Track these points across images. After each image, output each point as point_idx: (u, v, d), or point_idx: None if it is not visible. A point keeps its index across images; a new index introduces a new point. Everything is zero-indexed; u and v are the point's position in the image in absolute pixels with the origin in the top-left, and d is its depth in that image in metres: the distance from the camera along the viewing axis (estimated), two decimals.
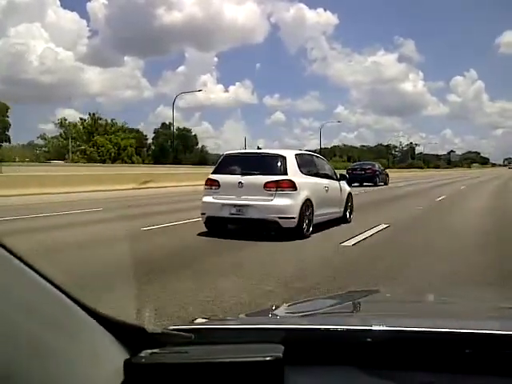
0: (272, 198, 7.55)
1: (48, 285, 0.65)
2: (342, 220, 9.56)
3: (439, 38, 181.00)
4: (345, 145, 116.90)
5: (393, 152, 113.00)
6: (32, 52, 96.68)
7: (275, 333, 0.95)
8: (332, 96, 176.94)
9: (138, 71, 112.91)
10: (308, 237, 7.76)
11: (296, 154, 8.34)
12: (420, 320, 1.19)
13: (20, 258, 0.62)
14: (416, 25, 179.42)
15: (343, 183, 9.83)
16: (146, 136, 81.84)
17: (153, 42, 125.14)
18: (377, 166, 31.67)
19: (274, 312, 1.55)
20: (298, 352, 0.85)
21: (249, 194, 7.62)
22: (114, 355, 0.73)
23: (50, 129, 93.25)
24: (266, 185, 7.56)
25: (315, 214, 8.12)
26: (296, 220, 7.57)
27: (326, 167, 9.60)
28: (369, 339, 0.91)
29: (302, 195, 7.74)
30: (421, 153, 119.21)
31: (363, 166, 30.84)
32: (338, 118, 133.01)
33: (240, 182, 7.69)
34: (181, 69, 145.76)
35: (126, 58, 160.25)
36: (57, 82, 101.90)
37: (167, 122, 79.07)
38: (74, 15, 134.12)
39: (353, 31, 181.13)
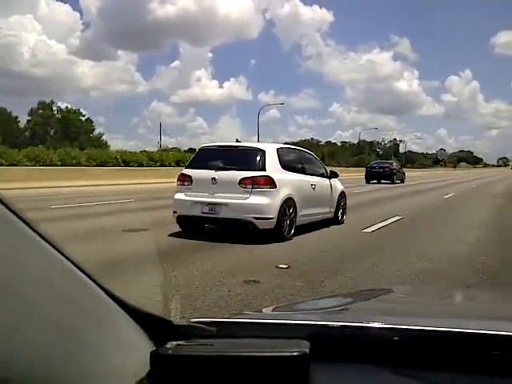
0: (248, 195, 6.81)
1: (80, 273, 0.64)
2: (333, 221, 8.79)
3: (435, 37, 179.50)
4: (313, 138, 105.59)
5: (377, 149, 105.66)
6: (24, 44, 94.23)
7: (300, 328, 0.93)
8: (327, 94, 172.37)
9: (131, 66, 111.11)
10: (289, 239, 7.03)
11: (278, 148, 7.58)
12: (444, 320, 1.17)
13: (57, 248, 0.61)
14: (411, 23, 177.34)
15: (335, 181, 9.03)
16: (16, 118, 60.14)
17: (146, 36, 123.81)
18: (394, 164, 33.13)
19: (295, 307, 1.62)
20: (322, 348, 0.83)
21: (223, 192, 6.90)
22: (141, 346, 0.73)
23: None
24: (241, 181, 6.83)
25: (299, 214, 7.37)
26: (274, 221, 6.82)
27: (315, 163, 8.81)
28: (395, 338, 0.89)
29: (282, 193, 6.98)
30: (410, 150, 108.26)
31: (381, 164, 32.18)
32: (332, 116, 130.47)
33: (213, 178, 6.97)
34: (175, 64, 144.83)
35: (119, 52, 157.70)
36: (49, 75, 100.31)
37: (47, 101, 62.34)
38: (67, 7, 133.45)
39: (348, 29, 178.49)
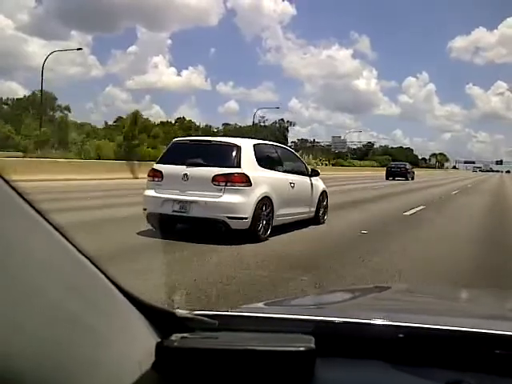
0: (221, 194, 6.42)
1: (88, 264, 0.65)
2: (314, 221, 8.43)
3: (394, 38, 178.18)
4: (229, 130, 76.66)
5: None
6: None
7: (304, 323, 0.95)
8: (286, 88, 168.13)
9: (85, 47, 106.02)
10: (265, 240, 6.66)
11: (254, 144, 7.19)
12: (448, 318, 1.17)
13: (65, 237, 0.61)
14: (372, 22, 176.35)
15: (316, 179, 8.65)
16: None
17: (102, 18, 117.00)
18: (408, 165, 41.36)
19: (298, 302, 1.66)
20: (326, 344, 0.83)
21: (194, 189, 6.50)
22: (146, 337, 0.73)
23: None
24: (215, 178, 6.44)
25: (276, 214, 7.00)
26: (249, 221, 6.44)
27: (295, 160, 8.44)
28: (400, 335, 0.89)
29: (257, 192, 6.60)
30: (302, 138, 79.04)
31: (398, 165, 41.31)
32: (291, 111, 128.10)
33: (185, 174, 6.56)
34: (132, 48, 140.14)
35: (72, 32, 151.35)
36: None
37: None
38: None
39: (309, 23, 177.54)
